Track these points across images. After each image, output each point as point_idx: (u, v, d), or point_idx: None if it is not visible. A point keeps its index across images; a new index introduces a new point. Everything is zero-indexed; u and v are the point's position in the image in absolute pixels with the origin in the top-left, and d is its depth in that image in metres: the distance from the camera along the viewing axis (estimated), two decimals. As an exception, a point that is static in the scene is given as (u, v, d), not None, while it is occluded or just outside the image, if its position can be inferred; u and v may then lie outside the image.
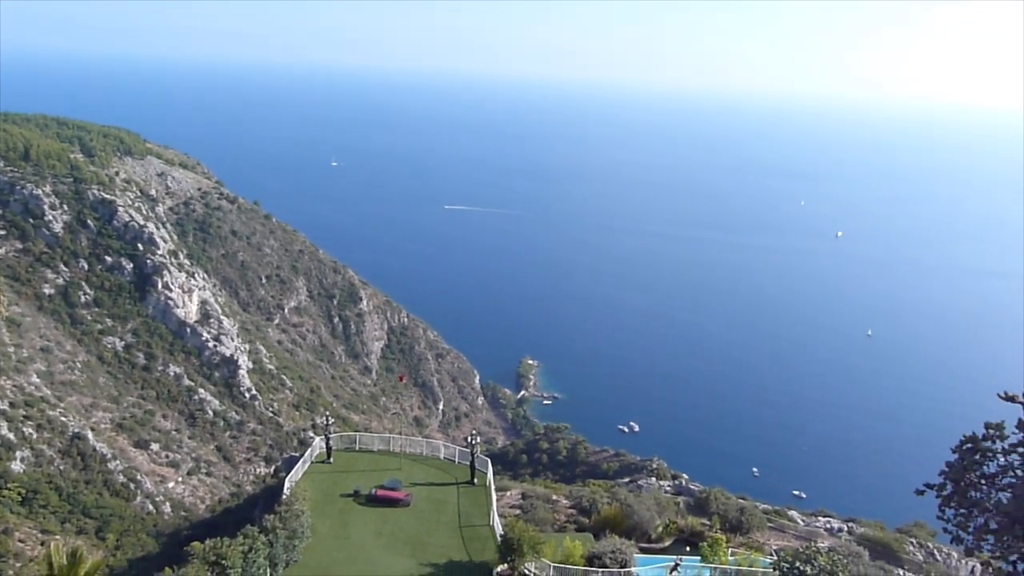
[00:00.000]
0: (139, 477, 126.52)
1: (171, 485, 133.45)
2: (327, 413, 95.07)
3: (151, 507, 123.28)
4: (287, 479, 52.98)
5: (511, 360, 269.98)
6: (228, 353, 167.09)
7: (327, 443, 57.53)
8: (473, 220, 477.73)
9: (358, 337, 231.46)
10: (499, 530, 47.58)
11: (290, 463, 59.39)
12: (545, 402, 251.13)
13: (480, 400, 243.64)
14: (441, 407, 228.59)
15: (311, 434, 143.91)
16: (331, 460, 56.87)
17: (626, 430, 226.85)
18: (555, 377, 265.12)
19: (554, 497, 74.24)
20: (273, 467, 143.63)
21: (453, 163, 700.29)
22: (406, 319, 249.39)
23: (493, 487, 55.06)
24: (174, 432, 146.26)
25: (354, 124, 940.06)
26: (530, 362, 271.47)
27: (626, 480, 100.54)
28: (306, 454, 57.39)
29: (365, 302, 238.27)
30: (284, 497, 48.74)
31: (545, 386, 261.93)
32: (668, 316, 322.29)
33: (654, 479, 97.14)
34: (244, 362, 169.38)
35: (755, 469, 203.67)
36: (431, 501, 51.57)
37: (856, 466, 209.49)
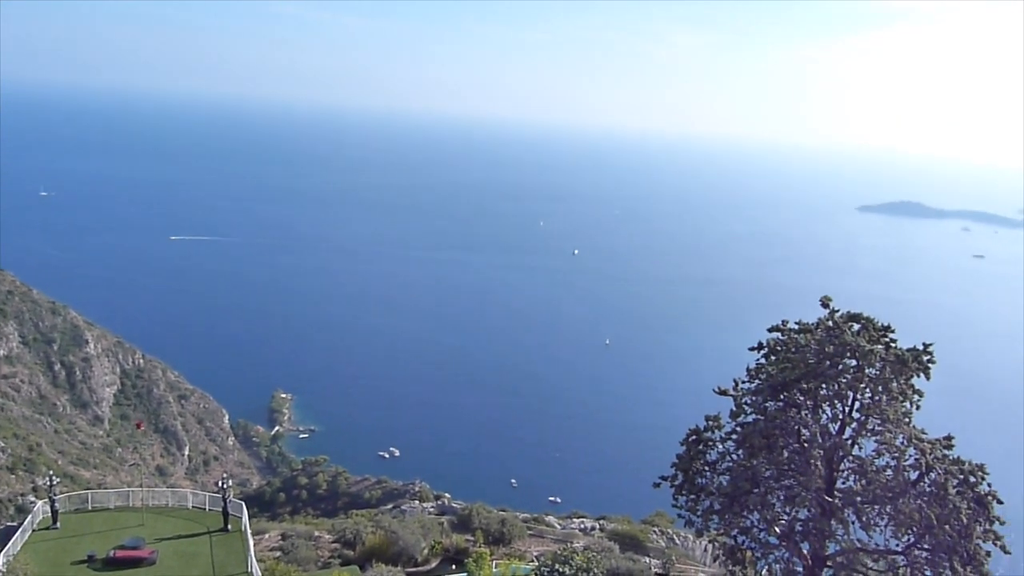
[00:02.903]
0: None
1: None
2: (50, 472, 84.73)
3: None
4: (1, 554, 46.44)
5: (262, 395, 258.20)
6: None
7: (52, 506, 51.23)
8: (205, 250, 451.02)
9: (85, 384, 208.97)
10: (258, 575, 45.18)
11: (5, 535, 52.10)
12: (301, 436, 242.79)
13: (230, 440, 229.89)
14: (187, 452, 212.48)
15: (32, 498, 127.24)
16: (58, 525, 50.66)
17: (387, 456, 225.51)
18: (310, 409, 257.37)
19: (316, 533, 71.88)
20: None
21: (184, 190, 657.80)
22: (141, 360, 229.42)
23: (249, 531, 52.12)
24: None
25: (67, 150, 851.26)
26: (283, 396, 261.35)
27: (390, 506, 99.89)
28: (25, 522, 50.68)
29: (92, 345, 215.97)
30: None
31: (300, 419, 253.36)
32: (420, 338, 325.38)
33: (417, 502, 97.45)
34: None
35: (513, 480, 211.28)
36: (180, 555, 47.67)
37: (604, 467, 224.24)
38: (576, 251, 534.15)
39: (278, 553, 62.08)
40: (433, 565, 58.42)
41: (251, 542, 50.29)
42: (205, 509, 54.19)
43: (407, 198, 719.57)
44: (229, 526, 51.47)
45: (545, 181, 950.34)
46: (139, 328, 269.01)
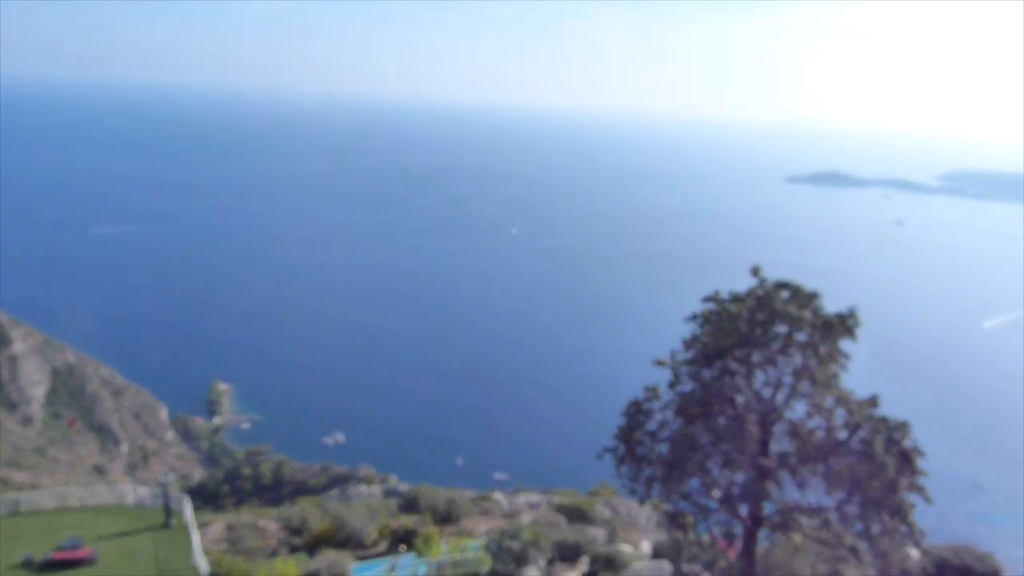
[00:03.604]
0: None
1: None
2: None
3: None
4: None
5: (200, 387, 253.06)
6: None
7: (-17, 511, 49.69)
8: (133, 242, 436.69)
9: (13, 385, 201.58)
10: (204, 569, 44.67)
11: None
12: (243, 426, 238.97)
13: (170, 434, 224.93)
14: (125, 449, 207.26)
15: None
16: (-9, 530, 49.20)
17: (331, 442, 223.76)
18: (251, 398, 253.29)
19: (262, 523, 71.23)
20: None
21: (111, 181, 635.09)
22: (72, 358, 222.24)
23: (193, 525, 51.43)
24: None
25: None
26: (222, 386, 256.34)
27: (336, 492, 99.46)
28: (-44, 529, 49.03)
29: (18, 344, 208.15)
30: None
31: (241, 409, 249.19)
32: (359, 323, 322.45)
33: (364, 486, 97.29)
34: None
35: (460, 459, 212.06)
36: (123, 553, 46.77)
37: (548, 442, 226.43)
38: (515, 231, 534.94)
39: (224, 545, 61.40)
40: (382, 547, 58.63)
41: (195, 535, 49.66)
42: (146, 505, 53.26)
43: (339, 184, 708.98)
44: (172, 521, 50.73)
45: (478, 162, 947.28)
46: (68, 324, 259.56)
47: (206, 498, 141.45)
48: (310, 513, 65.92)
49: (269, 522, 71.68)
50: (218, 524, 73.96)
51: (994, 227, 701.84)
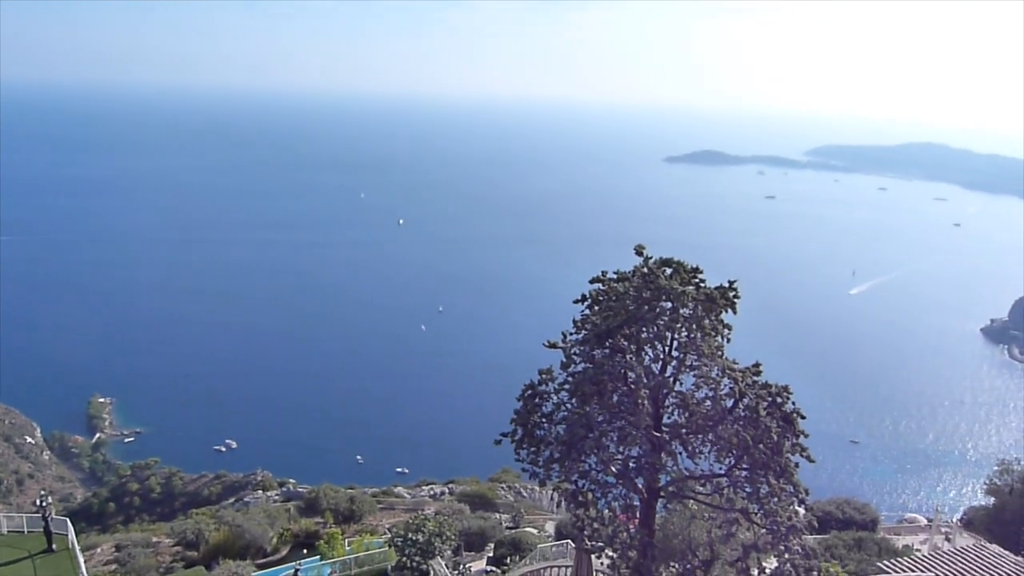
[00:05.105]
0: None
1: None
2: None
3: None
4: None
5: (77, 403, 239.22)
6: None
7: None
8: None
9: None
10: (93, 593, 42.39)
11: None
12: (127, 440, 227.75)
13: (46, 455, 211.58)
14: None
15: None
16: None
17: (223, 449, 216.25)
18: (133, 411, 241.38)
19: (155, 539, 68.44)
20: None
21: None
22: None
23: (77, 548, 48.66)
24: None
25: None
26: (101, 400, 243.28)
27: (232, 500, 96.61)
28: None
29: None
30: None
31: (124, 423, 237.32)
32: (243, 325, 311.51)
33: (261, 492, 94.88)
34: None
35: (359, 457, 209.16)
36: (1, 585, 43.88)
37: (448, 433, 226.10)
38: (401, 220, 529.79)
39: (114, 566, 58.68)
40: (284, 552, 57.36)
41: (81, 559, 47.08)
42: (24, 532, 49.98)
43: (216, 179, 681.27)
44: (54, 545, 47.79)
45: (359, 151, 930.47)
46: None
47: (90, 519, 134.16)
48: (205, 524, 63.71)
49: (162, 538, 68.99)
50: (107, 544, 70.64)
51: (857, 197, 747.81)
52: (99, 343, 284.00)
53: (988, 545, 40.11)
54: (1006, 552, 38.64)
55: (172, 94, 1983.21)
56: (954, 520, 69.91)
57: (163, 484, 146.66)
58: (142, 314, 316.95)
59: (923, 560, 38.28)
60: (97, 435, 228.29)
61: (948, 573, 35.05)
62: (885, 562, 38.93)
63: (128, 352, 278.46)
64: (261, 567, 52.03)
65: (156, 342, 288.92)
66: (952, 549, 42.98)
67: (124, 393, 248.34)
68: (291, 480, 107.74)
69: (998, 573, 35.18)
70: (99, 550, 67.24)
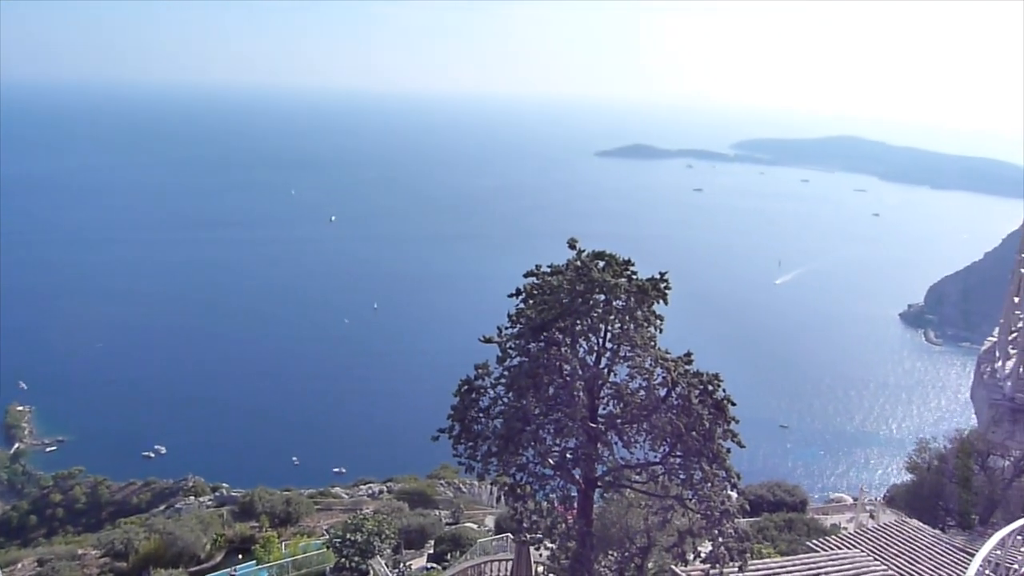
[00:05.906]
0: None
1: None
2: None
3: None
4: None
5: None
6: None
7: None
8: None
9: None
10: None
11: None
12: (49, 449, 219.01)
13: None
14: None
15: None
16: None
17: (152, 455, 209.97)
18: (54, 419, 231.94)
19: (80, 551, 66.11)
20: None
21: None
22: None
23: (-2, 563, 46.82)
24: None
25: None
26: (19, 408, 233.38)
27: (162, 507, 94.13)
28: None
29: None
30: None
31: (44, 431, 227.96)
32: (169, 327, 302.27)
33: (192, 497, 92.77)
34: None
35: (295, 458, 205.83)
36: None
37: (385, 431, 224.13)
38: (333, 218, 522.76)
39: (37, 581, 56.51)
40: (219, 559, 56.23)
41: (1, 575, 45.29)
42: (-62, 550, 47.82)
43: (136, 177, 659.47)
44: (-28, 562, 45.88)
45: (294, 148, 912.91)
46: None
47: (10, 533, 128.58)
48: (134, 533, 61.78)
49: (88, 550, 66.76)
50: (28, 559, 68.13)
51: (781, 189, 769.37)
52: (16, 348, 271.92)
53: (908, 520, 41.85)
54: (924, 526, 40.40)
55: (101, 89, 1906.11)
56: (878, 498, 72.78)
57: (88, 493, 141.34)
58: (64, 317, 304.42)
59: (849, 538, 39.75)
60: (16, 445, 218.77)
61: (872, 549, 36.47)
62: (814, 541, 40.31)
63: (47, 358, 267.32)
64: (195, 575, 50.92)
65: (79, 346, 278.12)
66: (876, 525, 44.78)
67: (43, 401, 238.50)
68: (224, 484, 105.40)
69: (917, 546, 36.74)
70: (20, 565, 64.76)
